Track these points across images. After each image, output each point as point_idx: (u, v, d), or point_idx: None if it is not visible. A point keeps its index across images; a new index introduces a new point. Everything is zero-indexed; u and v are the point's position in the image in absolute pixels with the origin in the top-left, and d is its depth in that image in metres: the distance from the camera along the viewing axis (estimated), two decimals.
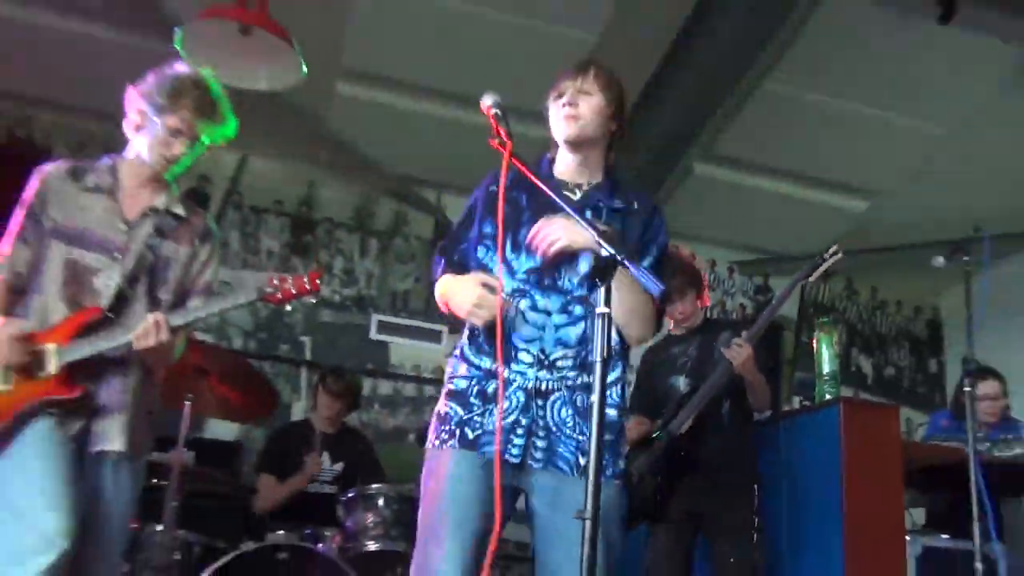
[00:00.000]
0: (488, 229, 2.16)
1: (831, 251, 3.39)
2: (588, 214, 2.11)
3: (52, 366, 2.30)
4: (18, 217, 2.43)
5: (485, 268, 2.14)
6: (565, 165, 2.22)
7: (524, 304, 2.09)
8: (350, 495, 3.51)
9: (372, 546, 3.36)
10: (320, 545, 3.30)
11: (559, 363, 2.07)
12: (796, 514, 3.54)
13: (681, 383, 3.53)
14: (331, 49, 4.75)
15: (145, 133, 2.45)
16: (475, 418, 2.06)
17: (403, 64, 4.97)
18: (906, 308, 6.84)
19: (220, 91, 2.51)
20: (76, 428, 2.34)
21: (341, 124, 5.37)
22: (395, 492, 3.48)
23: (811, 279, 3.40)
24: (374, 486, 3.57)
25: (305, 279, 2.40)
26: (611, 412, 2.07)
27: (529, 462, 2.04)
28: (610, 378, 2.04)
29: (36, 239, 2.40)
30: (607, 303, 1.73)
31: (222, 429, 5.08)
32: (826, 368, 3.73)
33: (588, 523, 1.55)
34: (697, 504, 3.38)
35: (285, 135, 5.41)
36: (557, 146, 2.23)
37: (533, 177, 2.01)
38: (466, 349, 2.15)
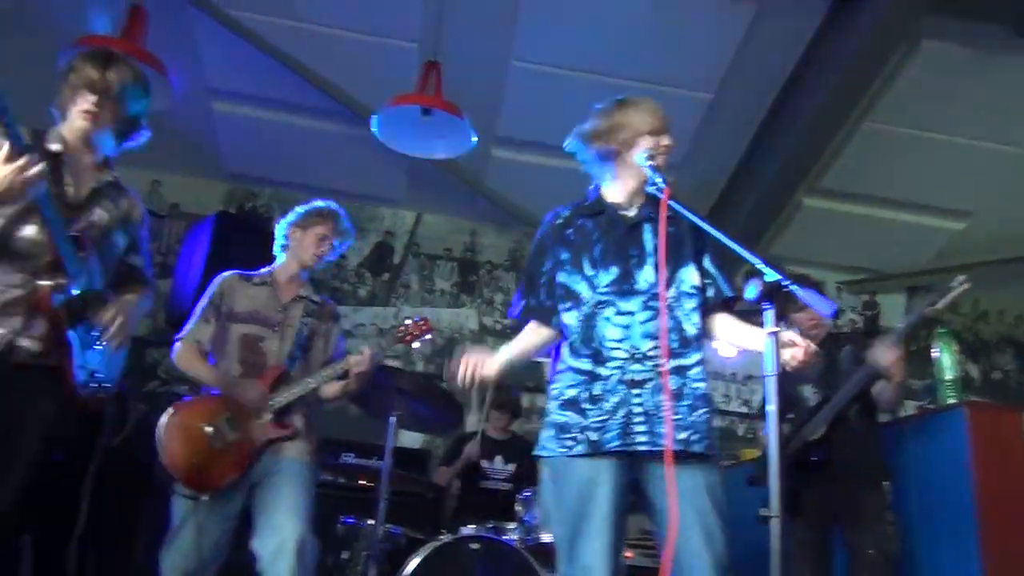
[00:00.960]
0: (565, 256, 2.14)
1: (959, 281, 3.05)
2: (647, 226, 2.11)
3: (267, 414, 2.65)
4: (202, 304, 2.81)
5: (569, 289, 2.11)
6: (617, 193, 2.17)
7: (610, 311, 2.05)
8: (527, 494, 3.46)
9: (548, 538, 3.28)
10: (505, 537, 3.25)
11: (650, 353, 2.02)
12: (927, 509, 3.26)
13: (808, 391, 3.34)
14: (488, 121, 4.80)
15: (295, 246, 2.90)
16: (592, 422, 1.99)
17: (545, 129, 4.95)
18: (1008, 316, 6.27)
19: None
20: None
21: (496, 182, 5.41)
22: None
23: (938, 307, 3.07)
24: None
25: (420, 323, 3.00)
26: (699, 386, 2.04)
27: (637, 448, 1.97)
28: (695, 359, 2.06)
29: (217, 320, 2.77)
30: (776, 323, 1.64)
31: (409, 439, 5.16)
32: (948, 375, 3.43)
33: (774, 521, 1.43)
34: (833, 499, 3.15)
35: (451, 194, 5.50)
36: (603, 178, 2.20)
37: (692, 215, 1.99)
38: (568, 358, 2.09)
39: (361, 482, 4.14)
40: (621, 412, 1.99)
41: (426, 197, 5.66)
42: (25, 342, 1.94)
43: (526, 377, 5.53)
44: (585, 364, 2.05)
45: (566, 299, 2.12)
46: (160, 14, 3.80)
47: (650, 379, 2.01)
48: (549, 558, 3.21)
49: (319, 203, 2.99)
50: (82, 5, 4.18)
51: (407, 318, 3.00)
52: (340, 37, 4.36)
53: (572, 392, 2.04)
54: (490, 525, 3.46)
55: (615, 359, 2.03)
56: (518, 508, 3.45)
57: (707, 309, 2.14)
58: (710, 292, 2.14)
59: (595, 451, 1.97)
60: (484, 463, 4.27)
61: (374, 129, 3.51)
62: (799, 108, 4.54)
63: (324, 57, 4.48)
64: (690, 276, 2.12)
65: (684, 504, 1.93)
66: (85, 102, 2.08)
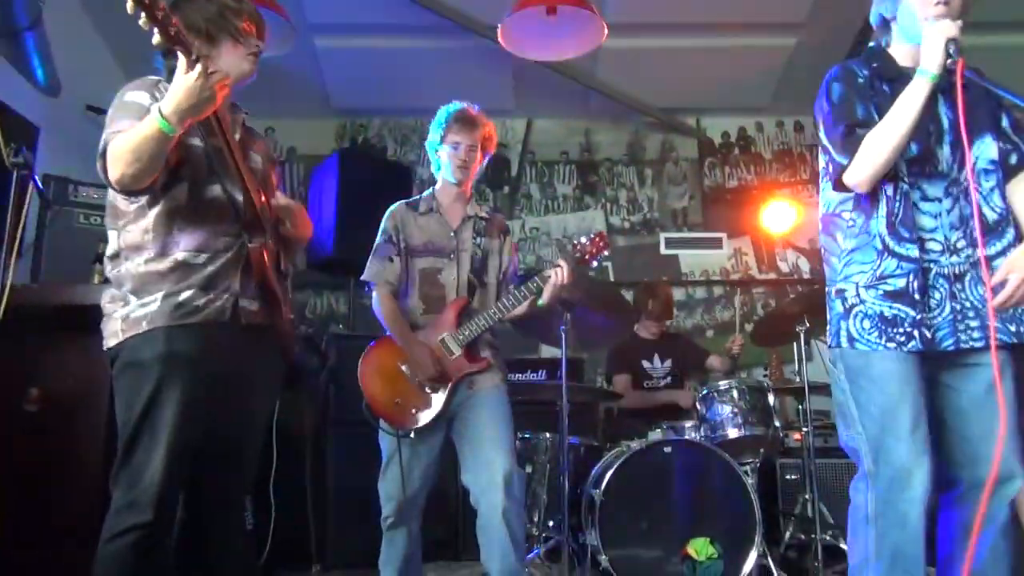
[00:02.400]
0: (862, 114, 1.91)
1: None
2: (940, 98, 1.90)
3: (456, 349, 2.62)
4: (379, 242, 2.71)
5: None
6: (911, 57, 1.93)
7: (916, 196, 1.89)
8: (705, 392, 3.42)
9: (734, 433, 3.25)
10: (696, 436, 3.23)
11: (958, 244, 1.88)
12: None
13: None
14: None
15: (443, 164, 2.74)
16: (926, 317, 1.85)
17: (655, 8, 4.66)
18: None
19: (477, 112, 2.74)
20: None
21: (608, 74, 5.16)
22: (746, 384, 3.34)
23: None
24: (725, 381, 3.45)
25: (596, 240, 2.69)
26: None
27: (973, 345, 1.84)
28: (1002, 245, 1.89)
29: (399, 256, 2.69)
30: None
31: (551, 351, 5.16)
32: None
33: None
34: None
35: (560, 95, 5.30)
36: (888, 32, 1.99)
37: (992, 86, 1.80)
38: (887, 240, 1.90)
39: (519, 397, 4.19)
40: (948, 308, 1.86)
41: (535, 103, 5.48)
42: (245, 303, 1.95)
43: (661, 272, 5.43)
44: (912, 250, 1.88)
45: None
46: None
47: (967, 271, 1.88)
48: (736, 452, 3.20)
49: (451, 107, 2.74)
50: None
51: (582, 237, 2.72)
52: None
53: (900, 282, 1.88)
54: (665, 426, 3.45)
55: (931, 251, 1.89)
56: (699, 407, 3.41)
57: (1010, 178, 1.95)
58: (1013, 159, 1.95)
59: (929, 349, 1.85)
60: (644, 363, 4.22)
61: (501, 41, 3.33)
62: None
63: None
64: (987, 150, 1.94)
65: (984, 398, 1.86)
66: (252, 45, 1.99)
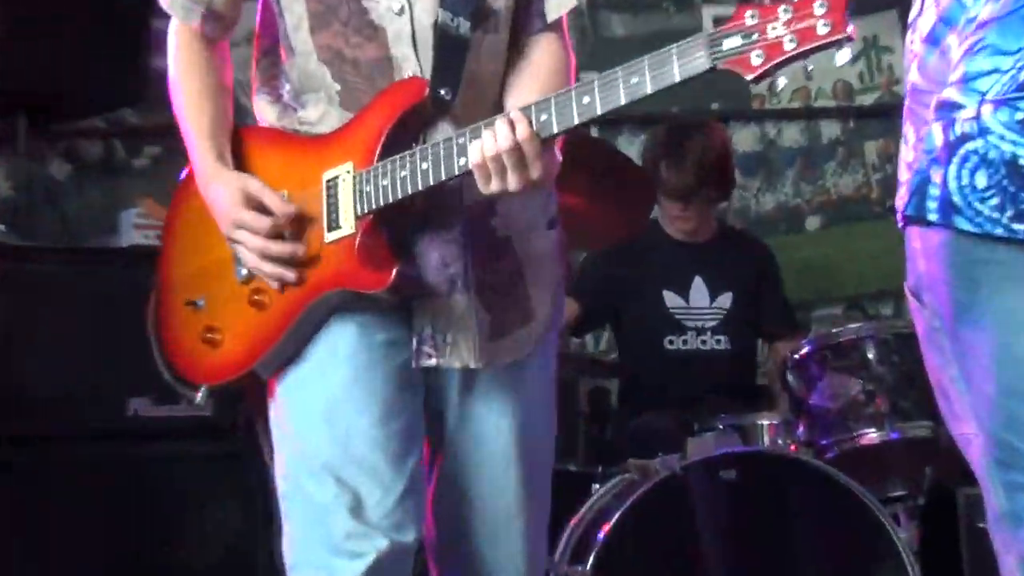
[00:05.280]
0: None
1: None
2: None
3: (349, 223, 1.10)
4: None
5: None
6: None
7: None
8: (808, 349, 1.79)
9: (872, 437, 1.67)
10: (787, 443, 1.60)
11: None
12: None
13: None
14: None
15: None
16: None
17: None
18: None
19: None
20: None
21: None
22: (891, 332, 1.79)
23: None
24: (850, 326, 1.83)
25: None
26: None
27: None
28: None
29: None
30: None
31: None
32: None
33: None
34: None
35: None
36: None
37: None
38: None
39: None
40: None
41: None
42: None
43: None
44: None
45: None
46: None
47: None
48: (883, 476, 1.63)
49: None
50: None
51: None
52: None
53: None
54: (723, 424, 1.84)
55: None
56: (791, 380, 1.72)
57: None
58: None
59: None
60: (666, 294, 2.40)
61: None
62: None
63: None
64: None
65: None
66: None
